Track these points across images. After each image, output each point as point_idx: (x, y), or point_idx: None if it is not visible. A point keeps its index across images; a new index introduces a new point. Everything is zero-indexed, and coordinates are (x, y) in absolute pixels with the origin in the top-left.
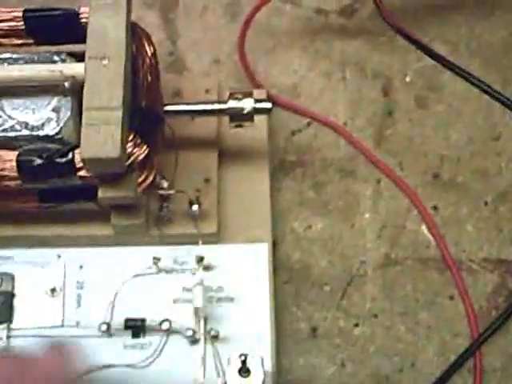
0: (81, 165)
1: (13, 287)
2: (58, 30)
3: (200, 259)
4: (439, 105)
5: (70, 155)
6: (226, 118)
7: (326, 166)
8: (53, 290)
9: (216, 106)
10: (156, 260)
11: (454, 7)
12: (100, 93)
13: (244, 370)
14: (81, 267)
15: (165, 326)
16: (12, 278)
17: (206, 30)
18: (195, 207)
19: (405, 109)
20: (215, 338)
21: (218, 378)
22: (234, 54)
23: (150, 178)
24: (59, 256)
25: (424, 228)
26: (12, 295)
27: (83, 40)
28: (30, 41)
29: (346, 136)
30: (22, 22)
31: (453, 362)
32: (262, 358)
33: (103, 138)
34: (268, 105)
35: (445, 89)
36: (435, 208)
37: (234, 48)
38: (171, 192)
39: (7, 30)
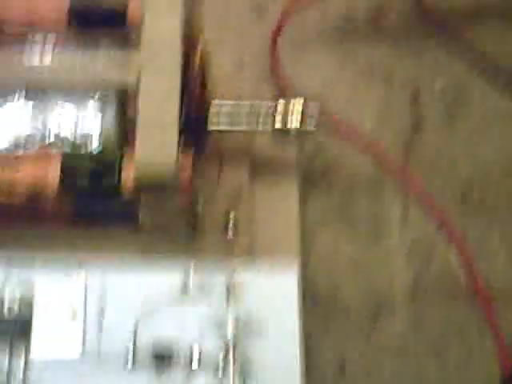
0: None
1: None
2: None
3: (230, 284)
4: (468, 120)
5: (117, 176)
6: None
7: (352, 184)
8: (73, 313)
9: (261, 127)
10: (184, 283)
11: (477, 18)
12: (155, 104)
13: None
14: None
15: (195, 354)
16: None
17: (230, 28)
18: (230, 226)
19: (433, 123)
20: (244, 369)
21: None
22: (259, 55)
23: (189, 195)
24: (80, 272)
25: (453, 256)
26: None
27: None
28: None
29: (374, 152)
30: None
31: None
32: None
33: (159, 146)
34: (312, 128)
35: (474, 104)
36: (465, 234)
37: (258, 48)
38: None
39: (49, 19)
